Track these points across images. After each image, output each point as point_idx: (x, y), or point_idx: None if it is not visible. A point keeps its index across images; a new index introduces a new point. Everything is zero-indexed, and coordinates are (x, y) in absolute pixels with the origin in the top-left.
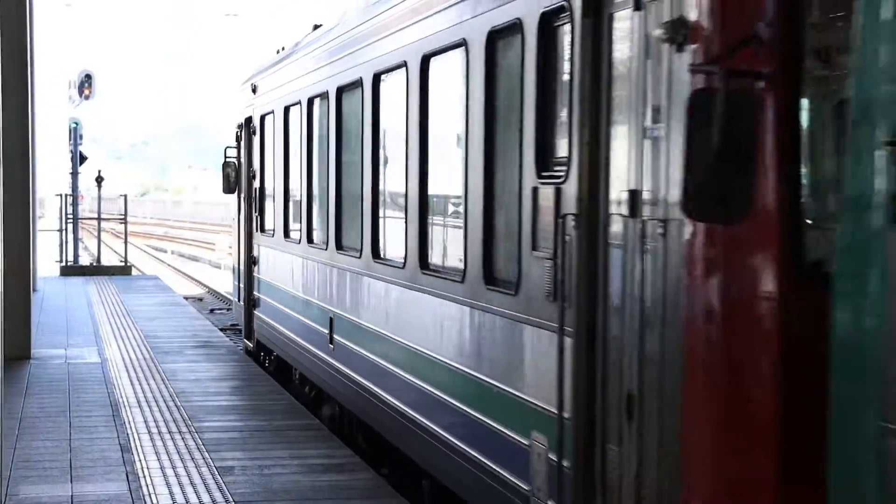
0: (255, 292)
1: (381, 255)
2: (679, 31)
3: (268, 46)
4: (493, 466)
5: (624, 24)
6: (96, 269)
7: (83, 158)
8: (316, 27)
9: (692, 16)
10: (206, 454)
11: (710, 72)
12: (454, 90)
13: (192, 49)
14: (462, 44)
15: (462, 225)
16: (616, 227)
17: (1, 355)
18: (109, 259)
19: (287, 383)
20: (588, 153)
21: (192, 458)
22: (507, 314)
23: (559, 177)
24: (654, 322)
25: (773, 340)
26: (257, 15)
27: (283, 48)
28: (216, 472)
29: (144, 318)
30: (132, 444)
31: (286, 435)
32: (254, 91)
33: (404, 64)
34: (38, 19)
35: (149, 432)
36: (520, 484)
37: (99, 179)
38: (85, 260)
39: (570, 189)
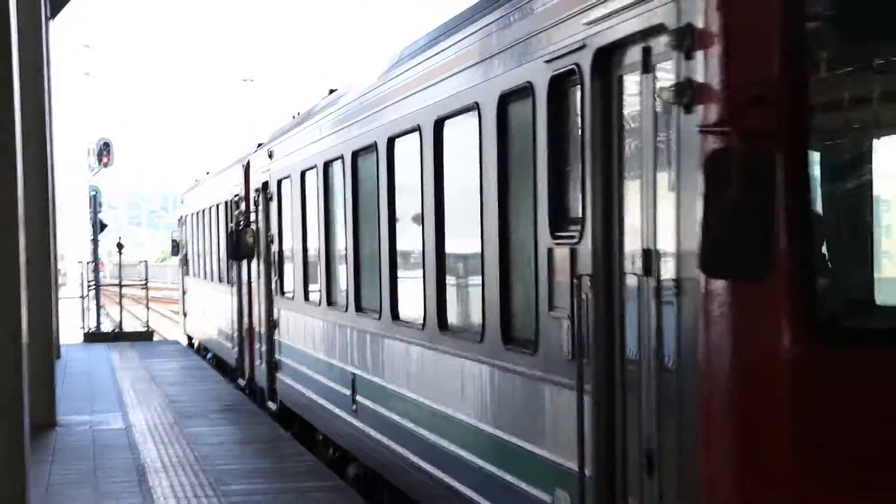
0: (277, 355)
1: (400, 317)
2: (685, 93)
3: (283, 110)
4: None
5: (633, 87)
6: (119, 336)
7: (103, 226)
8: (331, 91)
9: (699, 77)
10: None
11: (725, 132)
12: (467, 152)
13: (210, 113)
14: (474, 107)
15: (480, 285)
16: (631, 285)
17: (27, 423)
18: (131, 325)
19: (311, 444)
20: (601, 213)
21: None
22: (526, 373)
23: (573, 237)
24: (672, 380)
25: (788, 399)
26: (273, 79)
27: (298, 113)
28: None
29: (167, 383)
30: None
31: (312, 497)
32: (270, 157)
33: (418, 128)
34: (56, 88)
35: (175, 497)
36: None
37: (119, 246)
38: (107, 326)
39: (585, 249)
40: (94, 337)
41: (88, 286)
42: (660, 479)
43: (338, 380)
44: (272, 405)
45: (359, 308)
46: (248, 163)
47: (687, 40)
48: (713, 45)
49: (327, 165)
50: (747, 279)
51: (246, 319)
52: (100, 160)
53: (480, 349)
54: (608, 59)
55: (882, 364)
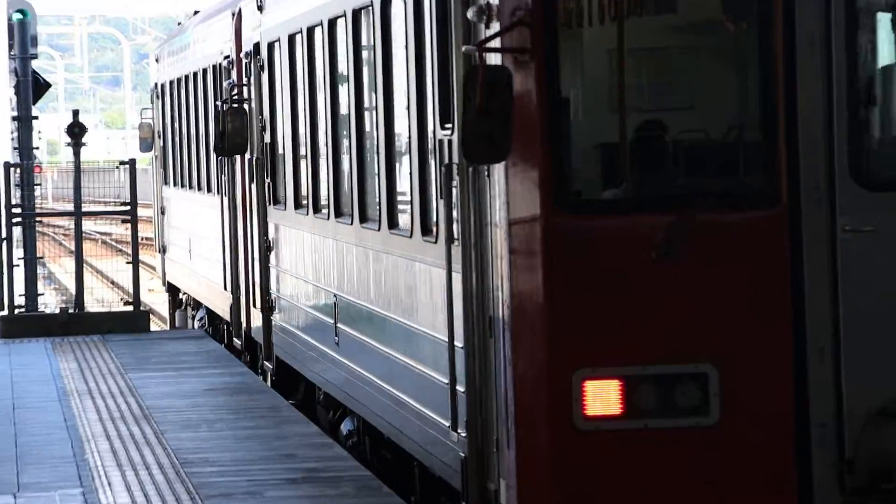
0: (273, 291)
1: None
2: (483, 14)
3: None
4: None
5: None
6: (74, 323)
7: (40, 88)
8: None
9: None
10: None
11: (473, 50)
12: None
13: None
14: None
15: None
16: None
17: None
18: (102, 297)
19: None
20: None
21: None
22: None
23: (449, 130)
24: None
25: (542, 252)
26: None
27: None
28: None
29: (179, 425)
30: None
31: None
32: (260, 8)
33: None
34: None
35: None
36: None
37: (75, 129)
38: (50, 301)
39: (455, 140)
40: (21, 325)
41: (10, 219)
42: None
43: (322, 308)
44: (268, 365)
45: (338, 213)
46: (240, 11)
47: None
48: None
49: (311, 31)
50: (492, 162)
51: (241, 245)
52: None
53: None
54: None
55: (620, 227)
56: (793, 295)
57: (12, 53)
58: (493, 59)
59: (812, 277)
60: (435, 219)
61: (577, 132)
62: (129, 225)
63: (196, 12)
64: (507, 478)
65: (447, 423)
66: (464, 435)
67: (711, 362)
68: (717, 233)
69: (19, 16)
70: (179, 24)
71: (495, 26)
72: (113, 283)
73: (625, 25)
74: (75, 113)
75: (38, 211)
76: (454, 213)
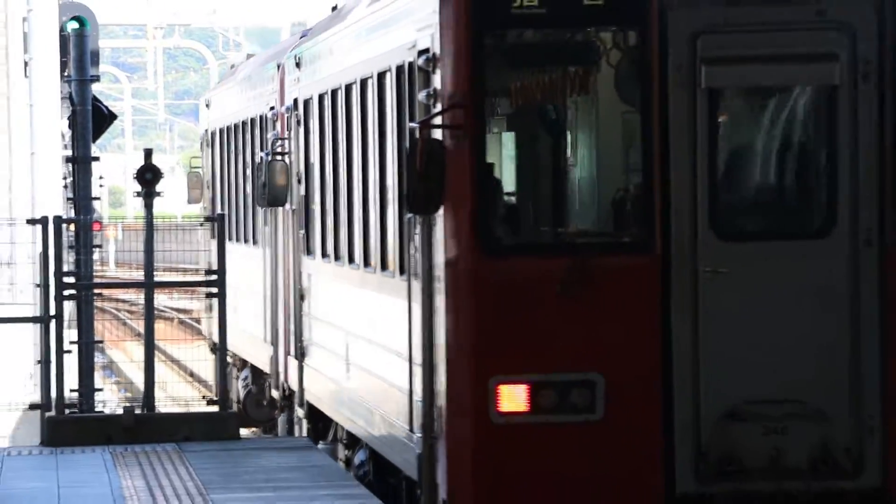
0: (305, 337)
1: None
2: (430, 96)
3: None
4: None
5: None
6: (141, 427)
7: (103, 121)
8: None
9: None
10: None
11: (416, 127)
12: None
13: None
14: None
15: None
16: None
17: None
18: (177, 394)
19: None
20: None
21: None
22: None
23: None
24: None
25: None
26: None
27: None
28: None
29: None
30: None
31: None
32: (297, 65)
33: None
34: None
35: None
36: None
37: (146, 175)
38: (111, 400)
39: None
40: (73, 429)
41: (59, 289)
42: None
43: (341, 347)
44: (300, 411)
45: (349, 259)
46: (283, 65)
47: (432, 62)
48: (438, 69)
49: (348, 88)
50: (429, 214)
51: (281, 294)
52: None
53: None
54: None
55: (529, 267)
56: (663, 322)
57: (66, 74)
58: (435, 133)
59: (678, 308)
60: (402, 261)
61: (497, 191)
62: (215, 300)
63: (249, 55)
64: (441, 462)
65: (408, 427)
66: (419, 436)
67: (599, 371)
68: (605, 273)
69: (76, 25)
70: (232, 66)
71: (439, 107)
72: (192, 375)
73: (536, 109)
74: (147, 153)
75: (97, 281)
76: (414, 256)
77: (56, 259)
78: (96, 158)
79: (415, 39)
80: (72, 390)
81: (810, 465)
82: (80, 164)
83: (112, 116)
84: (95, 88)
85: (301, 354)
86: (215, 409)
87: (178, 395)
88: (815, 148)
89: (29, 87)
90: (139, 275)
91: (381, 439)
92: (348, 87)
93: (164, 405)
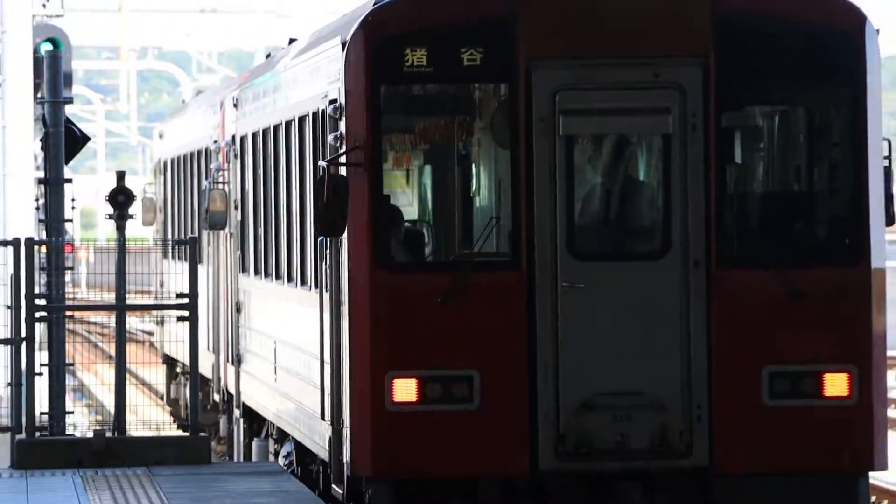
0: (240, 348)
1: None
2: (338, 140)
3: None
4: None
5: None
6: (112, 451)
7: (76, 141)
8: (292, 41)
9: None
10: None
11: (324, 165)
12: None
13: None
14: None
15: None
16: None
17: None
18: (148, 418)
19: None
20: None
21: None
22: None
23: None
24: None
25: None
26: None
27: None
28: None
29: None
30: None
31: None
32: (235, 106)
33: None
34: None
35: None
36: None
37: (119, 198)
38: (82, 423)
39: None
40: (43, 452)
41: (31, 311)
42: None
43: (270, 353)
44: (237, 412)
45: (268, 274)
46: (223, 103)
47: (339, 111)
48: (343, 116)
49: (276, 129)
50: (334, 237)
51: (222, 307)
52: None
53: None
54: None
55: (417, 281)
56: (529, 327)
57: (39, 96)
58: (340, 170)
59: (541, 316)
60: (316, 277)
61: (391, 218)
62: (186, 323)
63: (198, 92)
64: (346, 444)
65: (320, 417)
66: (329, 423)
67: (476, 368)
68: (480, 287)
69: (49, 47)
70: (184, 101)
71: (344, 148)
72: (163, 398)
73: (424, 150)
74: (120, 175)
75: (68, 303)
76: (326, 272)
77: (28, 281)
78: (69, 180)
79: (326, 91)
80: (42, 413)
81: (650, 447)
82: (53, 185)
83: (85, 139)
84: (68, 110)
85: (238, 361)
86: (186, 433)
87: (149, 418)
88: (653, 185)
89: (2, 108)
90: (110, 297)
91: (302, 430)
92: (276, 128)
93: (134, 428)
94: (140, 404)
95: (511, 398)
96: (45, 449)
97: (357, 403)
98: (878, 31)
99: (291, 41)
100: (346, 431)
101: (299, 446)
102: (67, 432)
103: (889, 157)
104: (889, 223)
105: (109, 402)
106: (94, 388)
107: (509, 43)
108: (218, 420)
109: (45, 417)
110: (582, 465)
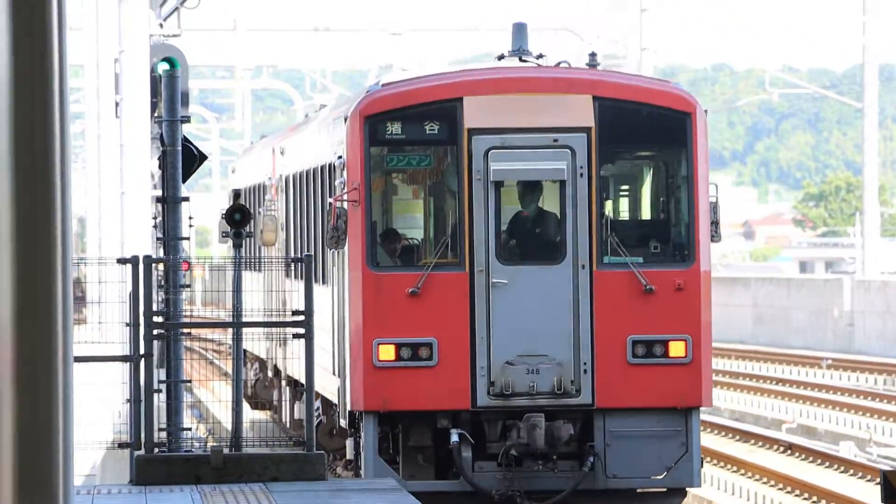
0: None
1: None
2: (343, 183)
3: None
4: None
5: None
6: (229, 466)
7: (192, 160)
8: (323, 107)
9: (346, 178)
10: None
11: (332, 201)
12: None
13: None
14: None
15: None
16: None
17: None
18: (265, 434)
19: None
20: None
21: None
22: None
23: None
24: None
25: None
26: None
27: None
28: None
29: None
30: None
31: None
32: (282, 153)
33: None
34: None
35: None
36: None
37: (235, 216)
38: (197, 438)
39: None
40: (161, 468)
41: (149, 329)
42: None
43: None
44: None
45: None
46: (273, 150)
47: (343, 163)
48: (346, 167)
49: (306, 173)
50: (338, 249)
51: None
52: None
53: None
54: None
55: (395, 278)
56: (470, 310)
57: (157, 115)
58: (343, 204)
59: (479, 303)
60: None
61: (377, 236)
62: (302, 340)
63: (263, 136)
64: (348, 390)
65: (331, 371)
66: (337, 376)
67: (434, 338)
68: (437, 282)
69: (166, 67)
70: (252, 142)
71: (346, 189)
72: (276, 413)
73: (400, 190)
74: (236, 194)
75: (185, 321)
76: (333, 273)
77: (146, 298)
78: (186, 198)
79: (335, 149)
80: (160, 429)
81: (552, 391)
82: (170, 204)
83: (202, 157)
84: (185, 129)
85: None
86: (302, 450)
87: (266, 434)
88: (554, 213)
89: (119, 128)
90: (226, 314)
91: (323, 386)
92: (305, 172)
93: (252, 446)
94: (257, 419)
95: (458, 358)
96: (163, 465)
97: (354, 362)
98: (706, 111)
99: (322, 107)
100: (347, 381)
101: (323, 398)
102: (185, 449)
103: (716, 196)
104: (714, 240)
105: (225, 419)
106: (212, 405)
107: (456, 119)
108: (344, 445)
109: (164, 434)
110: (505, 403)
